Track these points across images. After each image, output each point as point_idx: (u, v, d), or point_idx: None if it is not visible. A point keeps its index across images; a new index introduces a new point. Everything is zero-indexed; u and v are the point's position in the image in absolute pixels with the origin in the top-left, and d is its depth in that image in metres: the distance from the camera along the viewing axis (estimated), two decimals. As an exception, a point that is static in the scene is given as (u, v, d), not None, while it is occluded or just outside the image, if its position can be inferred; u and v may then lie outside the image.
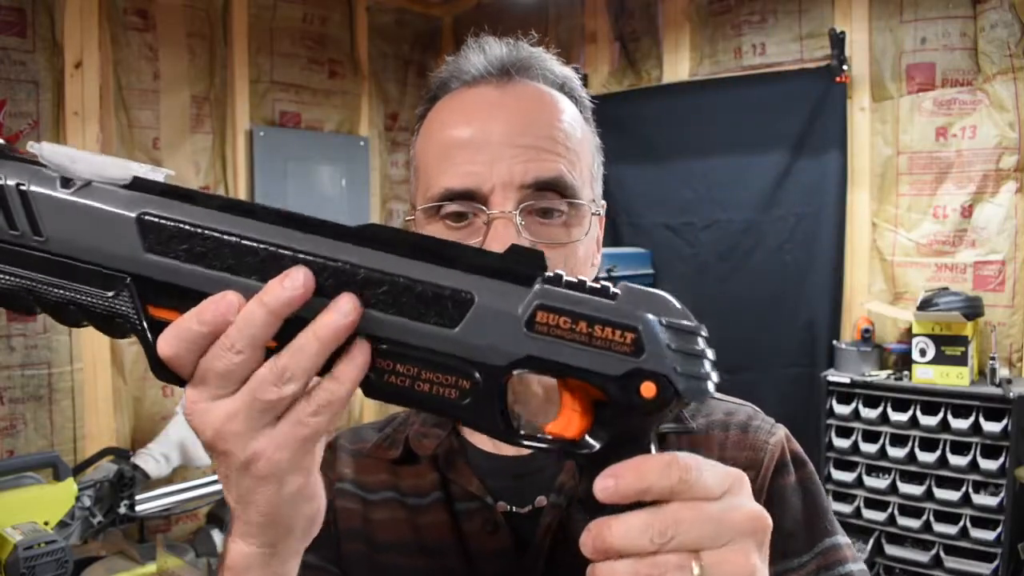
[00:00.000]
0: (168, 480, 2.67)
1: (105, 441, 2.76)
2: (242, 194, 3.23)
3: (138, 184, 0.41)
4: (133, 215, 0.40)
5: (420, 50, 3.97)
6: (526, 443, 0.42)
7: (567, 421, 0.42)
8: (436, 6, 3.98)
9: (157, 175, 0.42)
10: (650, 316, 0.39)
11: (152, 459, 2.54)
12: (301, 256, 0.40)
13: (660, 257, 3.39)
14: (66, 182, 0.40)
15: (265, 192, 3.29)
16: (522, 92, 0.68)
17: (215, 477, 2.66)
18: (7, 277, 0.40)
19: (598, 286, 0.40)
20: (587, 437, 0.42)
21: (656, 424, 0.42)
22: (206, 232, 0.40)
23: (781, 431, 0.73)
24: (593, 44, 3.62)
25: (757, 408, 0.75)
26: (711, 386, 0.41)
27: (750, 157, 3.16)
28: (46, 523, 2.08)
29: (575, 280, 0.41)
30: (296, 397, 0.40)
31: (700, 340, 0.41)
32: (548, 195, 0.64)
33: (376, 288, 0.40)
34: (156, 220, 0.40)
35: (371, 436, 0.79)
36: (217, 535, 2.57)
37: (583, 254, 0.67)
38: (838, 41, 2.85)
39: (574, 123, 0.68)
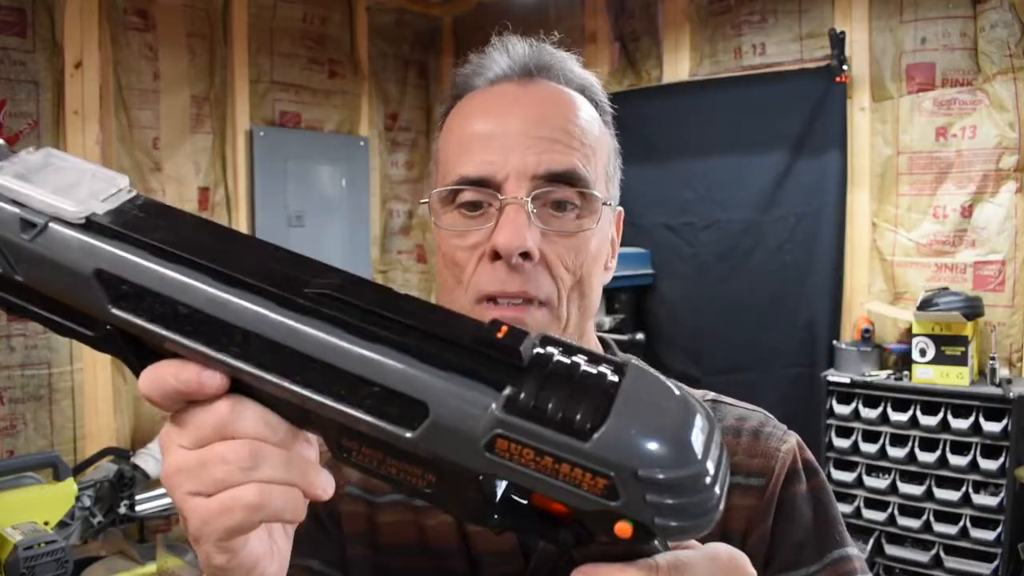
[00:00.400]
0: (168, 480, 2.67)
1: (105, 441, 2.76)
2: (242, 194, 3.23)
3: (93, 226, 0.38)
4: (89, 271, 0.38)
5: (420, 50, 3.97)
6: (500, 527, 0.38)
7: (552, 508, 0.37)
8: (436, 6, 3.98)
9: (111, 188, 0.39)
10: (628, 465, 0.33)
11: (152, 459, 2.54)
12: (248, 333, 0.37)
13: (660, 257, 3.39)
14: (25, 225, 0.38)
15: (265, 192, 3.29)
16: (542, 90, 0.69)
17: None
18: (10, 299, 0.40)
19: (587, 389, 0.34)
20: (569, 528, 0.38)
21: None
22: (158, 293, 0.37)
23: (793, 438, 0.72)
24: (593, 44, 3.62)
25: (769, 414, 0.74)
26: (710, 522, 0.34)
27: (750, 157, 3.16)
28: (46, 523, 2.08)
29: (553, 377, 0.34)
30: (228, 479, 0.38)
31: (699, 483, 0.34)
32: (561, 187, 0.65)
33: (328, 378, 0.36)
34: (111, 273, 0.38)
35: None
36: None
37: (595, 248, 0.68)
38: (838, 41, 2.85)
39: (591, 122, 0.69)
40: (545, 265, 0.65)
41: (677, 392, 0.36)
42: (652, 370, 0.36)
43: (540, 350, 0.35)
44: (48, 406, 2.69)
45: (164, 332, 0.37)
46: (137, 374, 0.40)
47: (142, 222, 0.39)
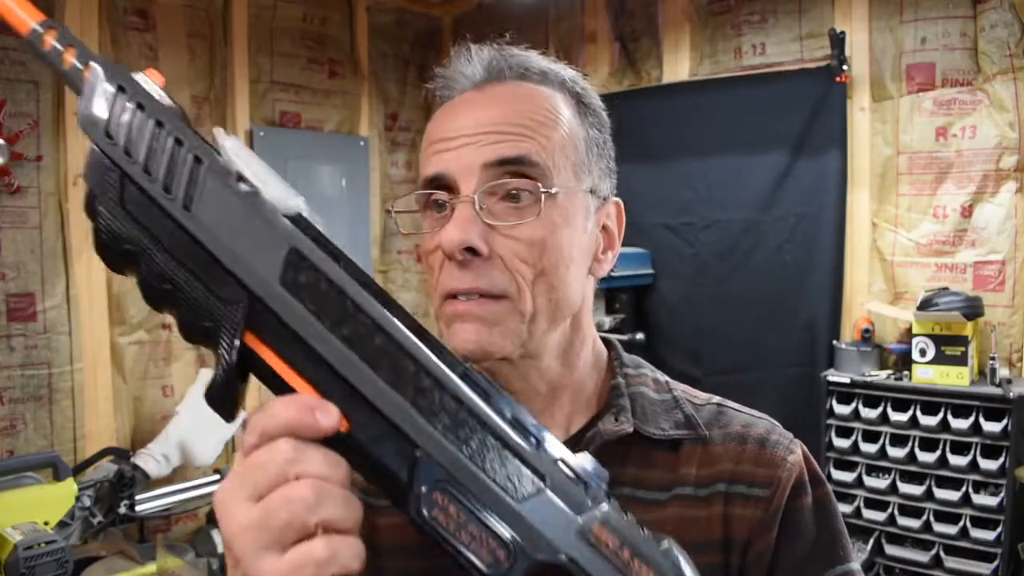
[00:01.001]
0: (168, 480, 2.67)
1: (105, 441, 2.76)
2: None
3: (300, 222, 0.41)
4: (288, 243, 0.40)
5: (420, 50, 3.97)
6: None
7: None
8: (436, 6, 3.98)
9: (315, 217, 0.43)
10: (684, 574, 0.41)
11: (152, 459, 2.54)
12: (422, 368, 0.39)
13: (660, 257, 3.39)
14: (240, 178, 0.40)
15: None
16: (497, 89, 0.69)
17: (215, 477, 2.66)
18: (132, 229, 0.39)
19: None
20: None
21: None
22: (344, 296, 0.39)
23: (799, 449, 0.72)
24: (593, 44, 3.62)
25: (775, 422, 0.74)
26: None
27: (750, 157, 3.16)
28: (46, 523, 2.08)
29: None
30: (305, 532, 0.38)
31: None
32: (514, 178, 0.64)
33: (470, 430, 0.39)
34: (305, 260, 0.40)
35: None
36: (217, 535, 2.58)
37: (561, 239, 0.65)
38: (838, 41, 2.84)
39: (553, 110, 0.68)
40: (499, 259, 0.64)
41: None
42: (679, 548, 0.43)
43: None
44: (48, 406, 2.69)
45: (319, 325, 0.39)
46: (222, 360, 0.39)
47: (329, 241, 0.42)
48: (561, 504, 0.39)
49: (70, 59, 0.40)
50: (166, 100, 0.41)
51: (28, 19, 0.40)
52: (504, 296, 0.64)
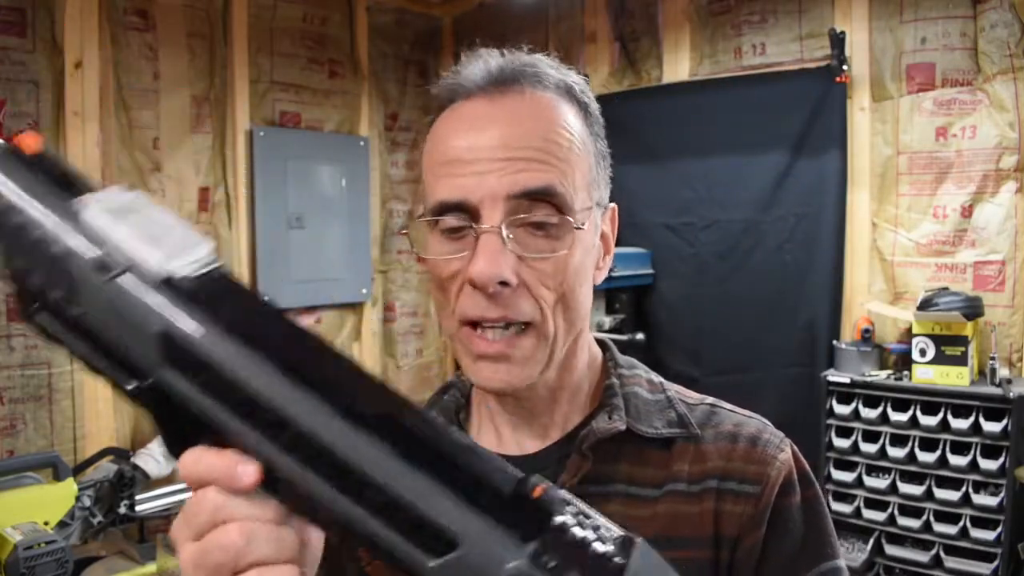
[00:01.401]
0: (168, 480, 2.67)
1: (105, 441, 2.76)
2: (242, 194, 3.23)
3: (171, 286, 0.38)
4: (154, 330, 0.38)
5: (420, 50, 3.97)
6: None
7: None
8: (436, 6, 3.98)
9: (198, 253, 0.39)
10: None
11: (152, 459, 2.54)
12: (302, 431, 0.37)
13: (660, 257, 3.39)
14: (101, 267, 0.38)
15: (265, 192, 3.29)
16: (514, 102, 0.67)
17: (215, 477, 2.66)
18: (54, 325, 0.40)
19: (604, 558, 0.35)
20: None
21: None
22: (221, 370, 0.37)
23: (790, 448, 0.72)
24: (593, 44, 3.62)
25: (767, 422, 0.75)
26: None
27: (750, 157, 3.16)
28: (46, 523, 2.08)
29: (577, 542, 0.36)
30: (238, 570, 0.39)
31: None
32: (538, 205, 0.64)
33: (373, 493, 0.37)
34: (178, 339, 0.38)
35: None
36: (217, 535, 2.57)
37: (577, 262, 0.67)
38: (838, 41, 2.84)
39: (569, 128, 0.68)
40: (525, 288, 0.64)
41: (673, 570, 0.38)
42: (656, 554, 0.38)
43: (562, 518, 0.37)
44: (48, 406, 2.69)
45: (214, 408, 0.38)
46: (164, 436, 0.40)
47: (218, 295, 0.39)
48: (479, 564, 0.36)
49: None
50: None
51: None
52: (530, 323, 0.65)
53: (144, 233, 0.39)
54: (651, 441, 0.71)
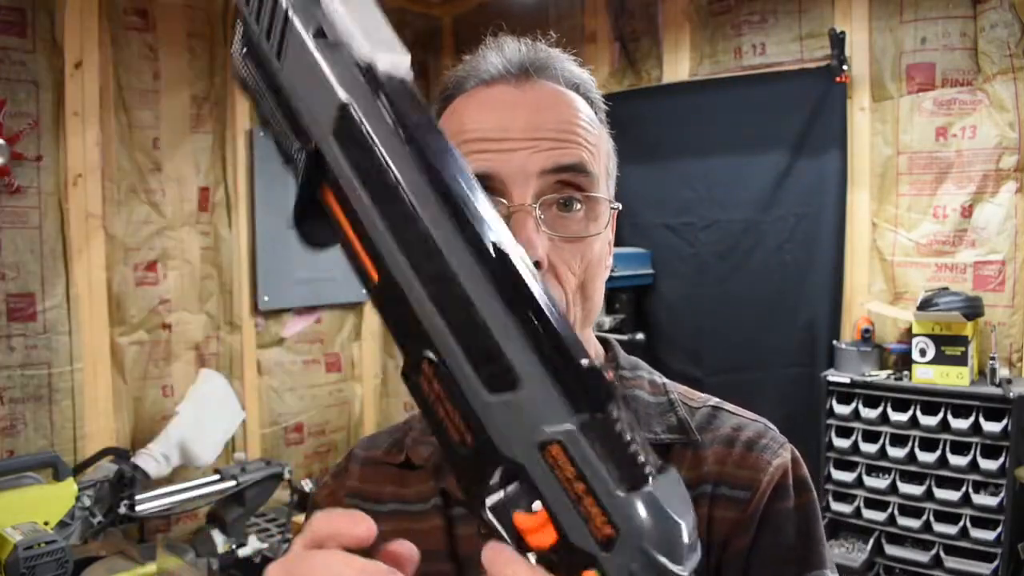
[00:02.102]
0: (168, 480, 2.67)
1: (105, 441, 2.76)
2: (242, 194, 3.23)
3: (370, 75, 0.41)
4: (341, 99, 0.40)
5: (420, 50, 3.97)
6: (485, 522, 0.41)
7: (541, 527, 0.39)
8: (436, 6, 3.98)
9: (401, 59, 0.43)
10: (639, 533, 0.36)
11: (152, 459, 2.54)
12: (425, 234, 0.39)
13: (660, 257, 3.39)
14: (319, 31, 0.41)
15: (265, 192, 3.29)
16: (540, 90, 0.67)
17: (215, 477, 2.66)
18: (248, 74, 0.43)
19: (638, 459, 0.37)
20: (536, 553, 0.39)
21: None
22: (385, 171, 0.39)
23: (787, 453, 0.71)
24: (593, 44, 3.62)
25: (770, 425, 0.73)
26: None
27: (750, 157, 3.16)
28: (46, 523, 2.08)
29: (621, 435, 0.37)
30: None
31: None
32: (568, 186, 0.64)
33: (462, 313, 0.38)
34: (355, 119, 0.40)
35: (384, 442, 0.80)
36: (217, 535, 2.58)
37: (598, 251, 0.67)
38: (838, 41, 2.85)
39: (591, 121, 0.68)
40: (553, 272, 0.64)
41: (693, 508, 0.39)
42: (683, 487, 0.39)
43: (617, 412, 0.38)
44: (48, 406, 2.69)
45: (356, 188, 0.40)
46: (297, 205, 0.41)
47: (399, 98, 0.42)
48: (530, 410, 0.37)
49: None
50: None
51: None
52: None
53: (360, 19, 0.42)
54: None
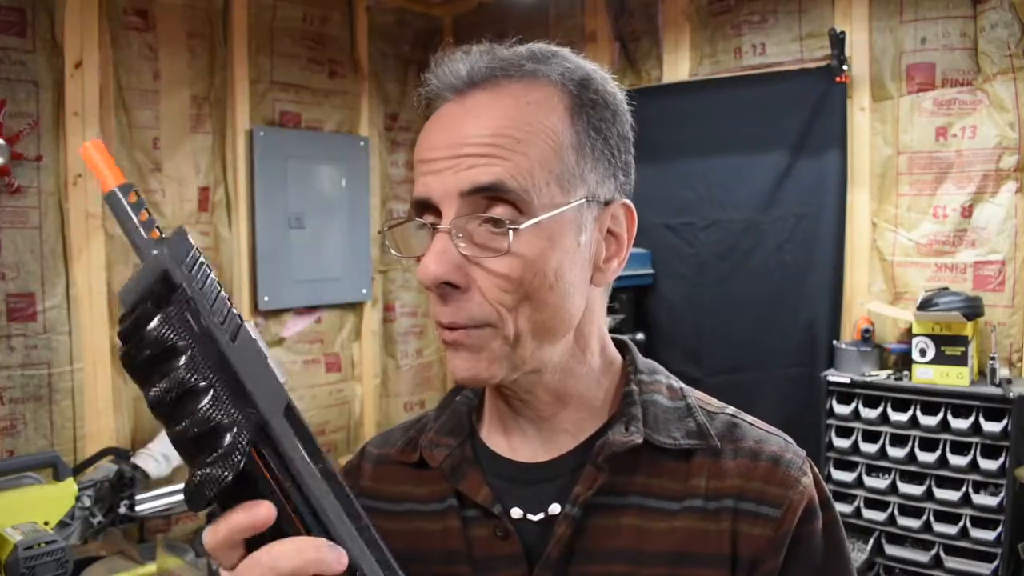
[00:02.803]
0: (168, 480, 2.67)
1: (105, 441, 2.76)
2: (242, 194, 3.23)
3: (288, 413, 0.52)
4: (286, 399, 0.52)
5: (420, 50, 3.97)
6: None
7: None
8: (436, 6, 3.98)
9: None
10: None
11: (152, 459, 2.54)
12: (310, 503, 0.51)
13: (660, 257, 3.39)
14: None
15: (265, 192, 3.29)
16: (478, 100, 0.64)
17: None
18: (181, 338, 0.46)
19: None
20: None
21: None
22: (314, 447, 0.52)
23: (811, 469, 0.70)
24: (593, 44, 3.62)
25: (788, 438, 0.72)
26: None
27: (750, 157, 3.16)
28: (46, 523, 2.08)
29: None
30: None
31: None
32: (494, 203, 0.61)
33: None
34: (294, 413, 0.52)
35: (398, 439, 0.80)
36: (217, 535, 2.57)
37: (540, 265, 0.62)
38: (838, 41, 2.85)
39: (532, 121, 0.63)
40: (478, 291, 0.62)
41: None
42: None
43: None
44: (48, 406, 2.69)
45: (302, 455, 0.51)
46: (230, 466, 0.47)
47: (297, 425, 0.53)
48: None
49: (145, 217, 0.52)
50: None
51: (111, 180, 0.52)
52: (485, 325, 0.63)
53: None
54: (669, 452, 0.69)
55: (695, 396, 0.75)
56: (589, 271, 0.68)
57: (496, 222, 0.61)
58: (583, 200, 0.65)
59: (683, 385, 0.76)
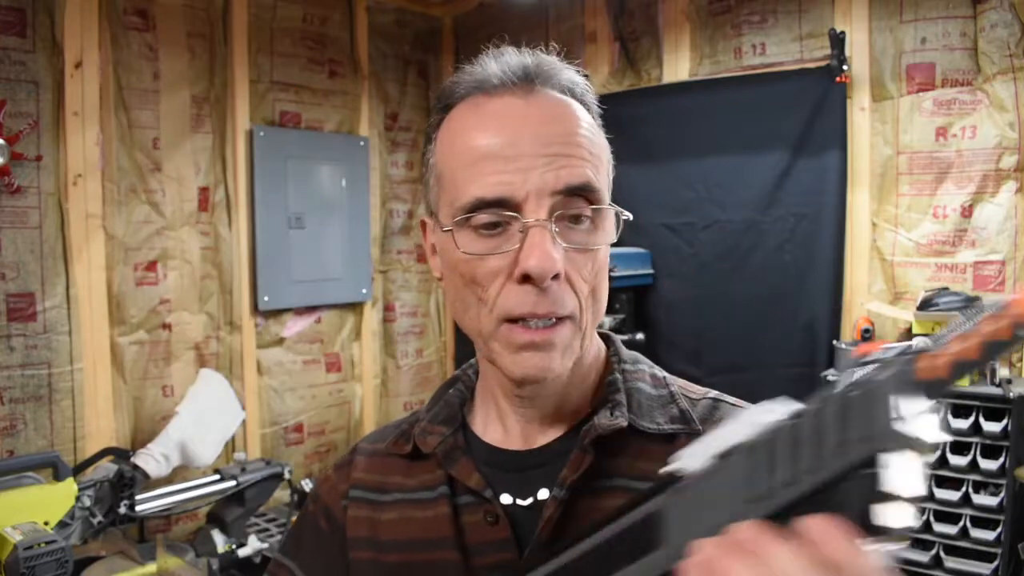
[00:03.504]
0: (168, 480, 2.67)
1: (105, 441, 2.76)
2: (242, 194, 3.23)
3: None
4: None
5: (420, 50, 3.97)
6: None
7: None
8: (436, 6, 3.98)
9: None
10: None
11: (152, 459, 2.54)
12: None
13: (660, 257, 3.39)
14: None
15: (265, 192, 3.29)
16: (545, 102, 0.69)
17: (215, 477, 2.67)
18: None
19: None
20: None
21: None
22: None
23: None
24: (593, 44, 3.62)
25: None
26: None
27: (750, 157, 3.16)
28: (46, 523, 2.08)
29: None
30: None
31: None
32: (577, 200, 0.66)
33: None
34: None
35: (390, 434, 0.82)
36: (217, 535, 2.58)
37: (604, 257, 0.70)
38: (838, 41, 2.85)
39: (593, 130, 0.70)
40: (567, 282, 0.66)
41: None
42: None
43: None
44: (48, 406, 2.69)
45: None
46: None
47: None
48: None
49: None
50: None
51: None
52: (570, 317, 0.67)
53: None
54: (653, 437, 0.71)
55: (678, 384, 0.78)
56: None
57: (578, 219, 0.67)
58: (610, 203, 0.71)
59: (666, 374, 0.79)
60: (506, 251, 0.65)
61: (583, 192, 0.66)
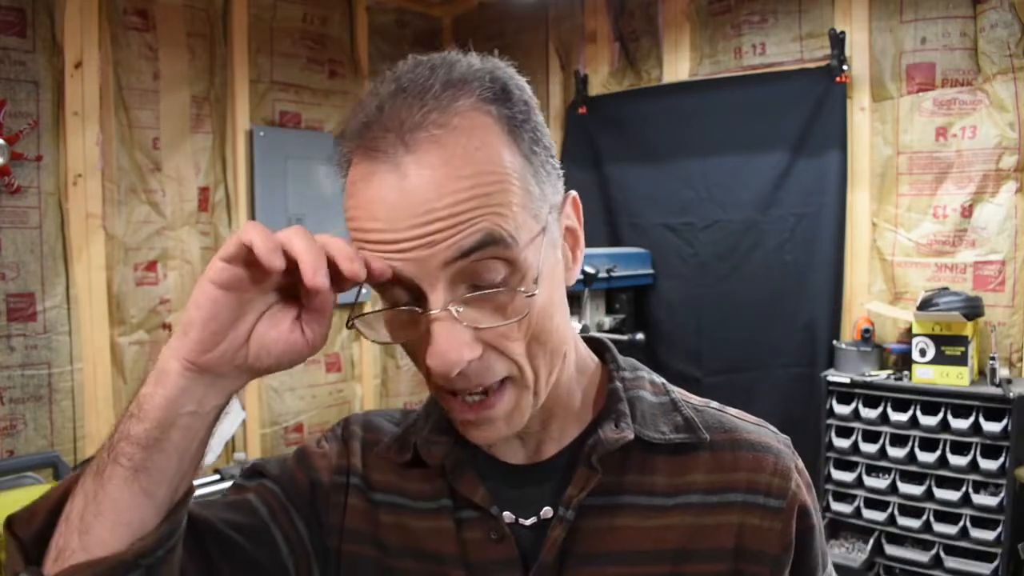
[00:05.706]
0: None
1: (105, 441, 2.76)
2: (242, 194, 3.23)
3: None
4: None
5: (420, 50, 3.89)
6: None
7: None
8: (436, 6, 3.98)
9: None
10: None
11: (152, 459, 2.54)
12: None
13: (660, 257, 3.39)
14: None
15: (265, 192, 3.29)
16: (419, 163, 0.56)
17: (215, 477, 2.66)
18: None
19: None
20: None
21: None
22: None
23: (794, 452, 0.71)
24: (593, 44, 3.62)
25: (771, 427, 0.73)
26: None
27: (750, 157, 3.16)
28: (46, 523, 2.08)
29: None
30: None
31: None
32: (482, 263, 0.56)
33: None
34: None
35: (384, 429, 0.78)
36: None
37: (542, 304, 0.59)
38: (838, 41, 2.85)
39: (492, 159, 0.57)
40: (492, 350, 0.59)
41: None
42: None
43: None
44: (48, 406, 2.69)
45: None
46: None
47: None
48: None
49: None
50: None
51: None
52: (508, 378, 0.61)
53: None
54: (658, 447, 0.68)
55: (677, 391, 0.75)
56: (562, 288, 0.65)
57: (504, 273, 0.57)
58: (548, 216, 0.61)
59: (664, 381, 0.76)
60: (416, 331, 0.58)
61: (483, 248, 0.55)
